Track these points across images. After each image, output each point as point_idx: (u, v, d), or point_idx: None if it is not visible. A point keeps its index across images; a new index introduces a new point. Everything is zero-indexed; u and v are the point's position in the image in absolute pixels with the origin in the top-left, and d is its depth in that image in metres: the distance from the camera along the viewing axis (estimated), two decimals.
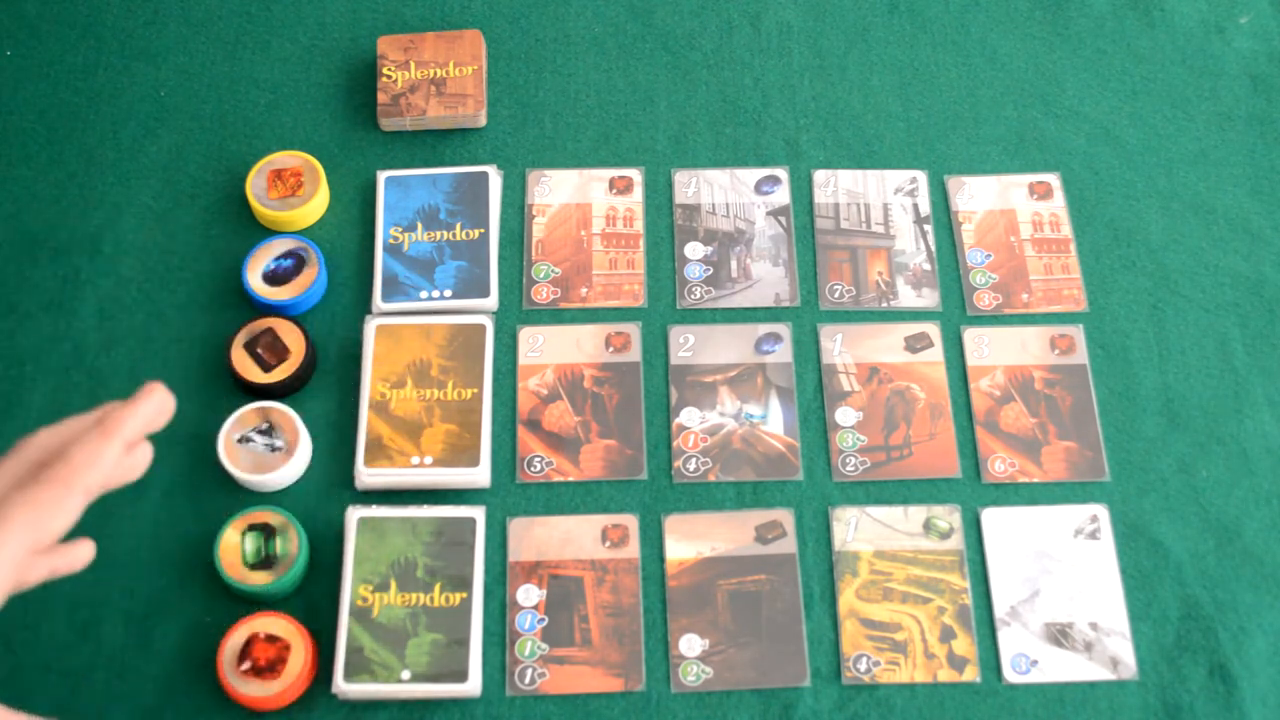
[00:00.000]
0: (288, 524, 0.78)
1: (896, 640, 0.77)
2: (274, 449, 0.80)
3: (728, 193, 0.92)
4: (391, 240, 0.88)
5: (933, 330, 0.87)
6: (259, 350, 0.84)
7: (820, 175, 0.92)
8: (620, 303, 0.88)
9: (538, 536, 0.80)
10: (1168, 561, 0.80)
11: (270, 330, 0.84)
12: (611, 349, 0.86)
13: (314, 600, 0.78)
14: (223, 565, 0.77)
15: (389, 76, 0.93)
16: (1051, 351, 0.86)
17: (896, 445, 0.83)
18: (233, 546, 0.77)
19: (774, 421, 0.84)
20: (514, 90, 0.96)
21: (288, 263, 0.87)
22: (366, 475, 0.80)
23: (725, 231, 0.90)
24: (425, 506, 0.79)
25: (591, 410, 0.84)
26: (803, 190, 0.92)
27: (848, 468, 0.82)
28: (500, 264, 0.89)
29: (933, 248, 0.90)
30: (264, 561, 0.77)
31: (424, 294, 0.86)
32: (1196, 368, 0.86)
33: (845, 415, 0.84)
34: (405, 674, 0.74)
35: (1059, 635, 0.78)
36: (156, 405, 0.60)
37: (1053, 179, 0.92)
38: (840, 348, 0.86)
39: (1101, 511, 0.81)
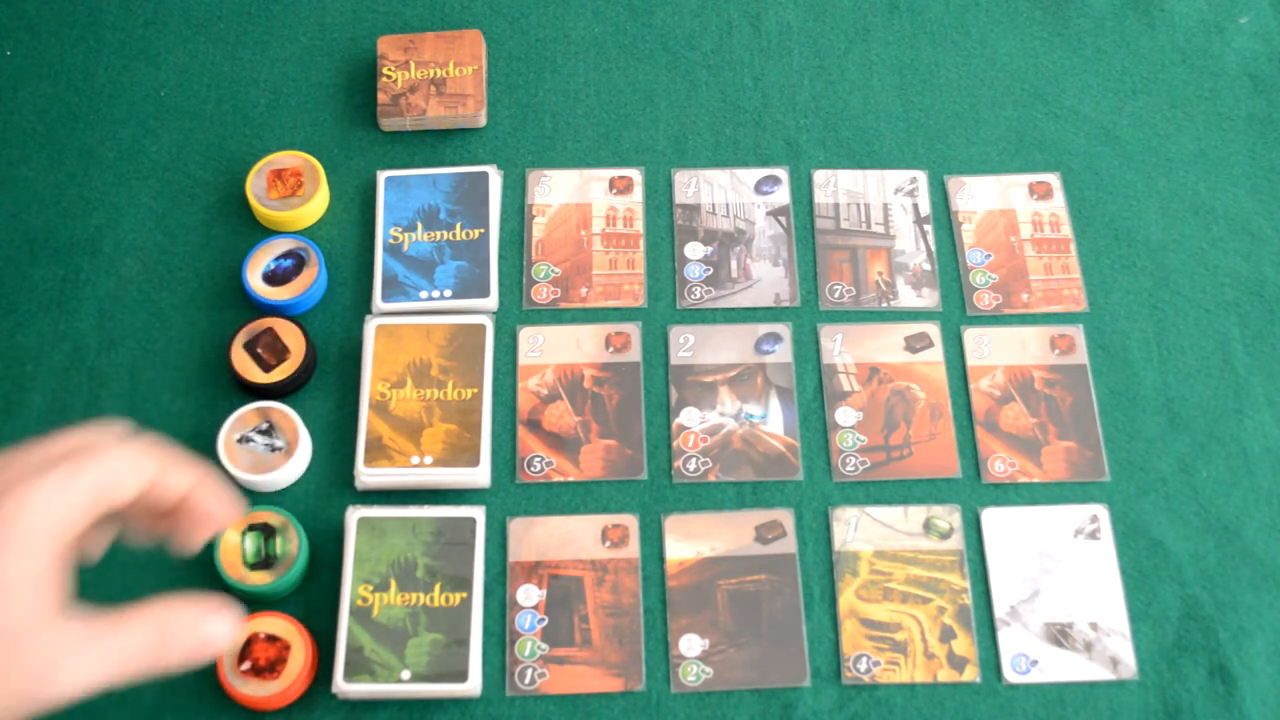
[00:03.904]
0: (288, 524, 0.78)
1: (896, 640, 0.77)
2: (274, 449, 0.80)
3: (728, 193, 0.92)
4: (391, 240, 0.88)
5: (933, 330, 0.87)
6: (259, 350, 0.84)
7: (820, 175, 0.92)
8: (620, 303, 0.88)
9: (538, 536, 0.80)
10: (1168, 561, 0.80)
11: (270, 330, 0.84)
12: (611, 349, 0.86)
13: (314, 600, 0.78)
14: (223, 565, 0.77)
15: (389, 76, 0.93)
16: (1051, 351, 0.86)
17: (896, 445, 0.83)
18: (233, 546, 0.77)
19: (774, 421, 0.84)
20: (514, 90, 0.96)
21: (288, 263, 0.87)
22: (366, 475, 0.80)
23: (725, 231, 0.90)
24: (425, 506, 0.79)
25: (591, 410, 0.84)
26: (803, 190, 0.92)
27: (848, 468, 0.82)
28: (500, 264, 0.89)
29: (933, 248, 0.90)
30: (264, 561, 0.77)
31: (424, 294, 0.86)
32: (1196, 368, 0.86)
33: (845, 415, 0.84)
34: (405, 674, 0.74)
35: (1059, 635, 0.78)
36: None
37: (1053, 179, 0.92)
38: (840, 348, 0.86)
39: (1101, 511, 0.81)
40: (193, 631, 0.54)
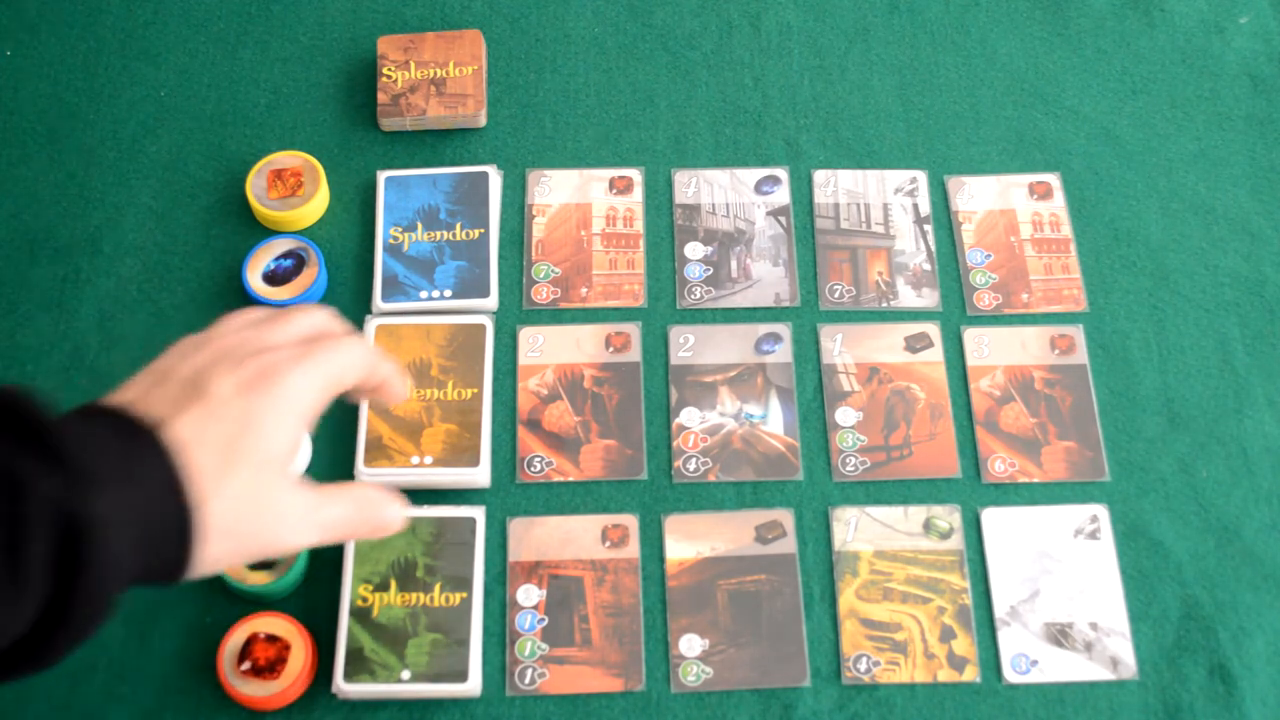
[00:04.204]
0: None
1: (896, 640, 0.77)
2: None
3: (728, 193, 0.92)
4: (391, 240, 0.88)
5: (933, 330, 0.87)
6: None
7: (820, 175, 0.92)
8: (620, 303, 0.88)
9: (538, 536, 0.80)
10: (1168, 561, 0.80)
11: None
12: (611, 349, 0.86)
13: (314, 600, 0.78)
14: None
15: (389, 76, 0.93)
16: (1051, 351, 0.86)
17: (896, 445, 0.83)
18: None
19: (774, 421, 0.84)
20: (514, 90, 0.96)
21: (288, 263, 0.87)
22: (366, 475, 0.80)
23: (725, 231, 0.90)
24: (425, 506, 0.79)
25: (591, 410, 0.84)
26: (803, 190, 0.92)
27: (848, 468, 0.82)
28: (500, 264, 0.89)
29: (933, 248, 0.90)
30: (264, 562, 0.77)
31: (424, 294, 0.86)
32: (1196, 368, 0.86)
33: (845, 415, 0.84)
34: (405, 674, 0.74)
35: (1059, 635, 0.78)
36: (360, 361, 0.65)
37: (1053, 179, 0.92)
38: (840, 348, 0.86)
39: (1101, 511, 0.81)
40: (378, 512, 0.66)
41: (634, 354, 0.86)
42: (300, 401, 0.60)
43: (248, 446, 0.58)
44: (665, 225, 0.91)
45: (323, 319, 0.65)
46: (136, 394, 0.59)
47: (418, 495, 0.81)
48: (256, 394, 0.59)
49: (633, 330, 0.86)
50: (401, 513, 0.66)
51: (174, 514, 0.55)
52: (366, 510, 0.65)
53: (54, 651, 0.53)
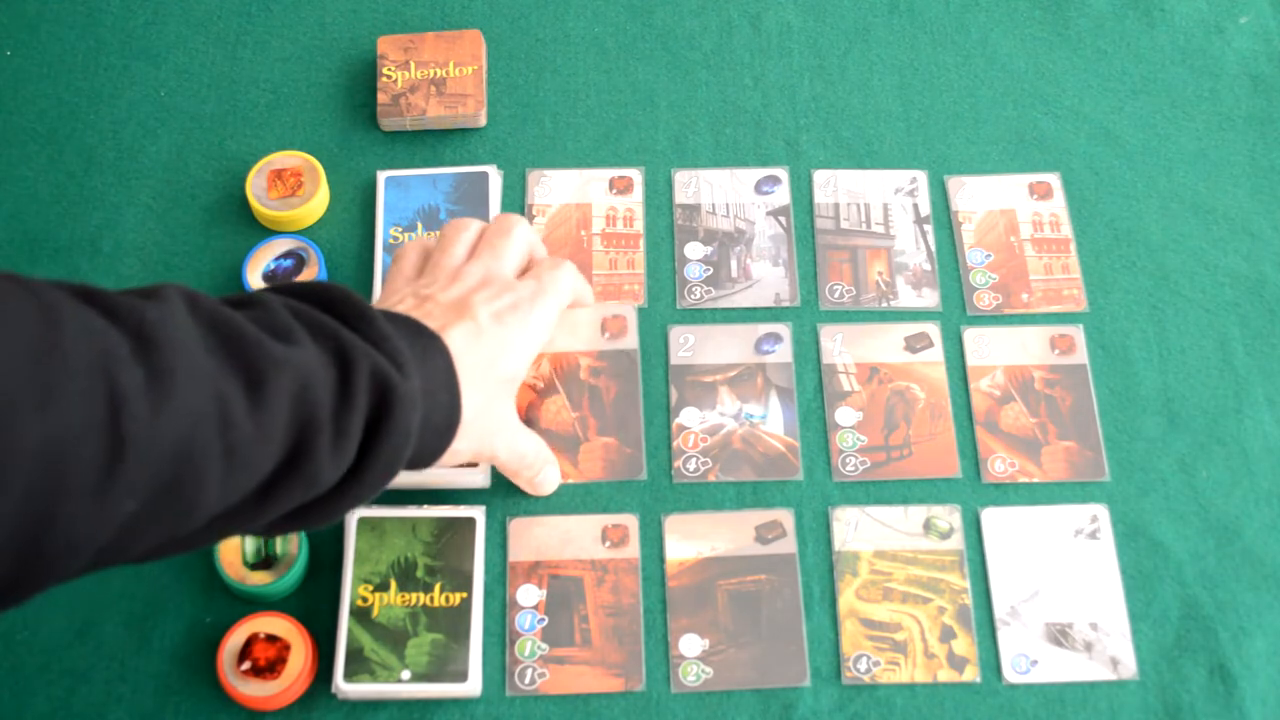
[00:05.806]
0: None
1: (896, 640, 0.77)
2: None
3: (728, 193, 0.92)
4: (391, 240, 0.88)
5: (933, 330, 0.87)
6: None
7: (820, 175, 0.92)
8: (620, 302, 0.88)
9: (538, 536, 0.80)
10: (1168, 561, 0.80)
11: None
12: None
13: (314, 600, 0.78)
14: (223, 565, 0.77)
15: (389, 76, 0.93)
16: (1051, 351, 0.86)
17: (896, 445, 0.83)
18: (233, 546, 0.77)
19: (774, 421, 0.84)
20: (514, 90, 0.96)
21: (288, 263, 0.87)
22: None
23: (725, 231, 0.90)
24: (425, 506, 0.79)
25: (589, 405, 0.84)
26: (803, 190, 0.92)
27: (848, 468, 0.82)
28: None
29: (933, 248, 0.90)
30: (264, 561, 0.77)
31: None
32: (1196, 368, 0.86)
33: (845, 415, 0.84)
34: (405, 674, 0.74)
35: (1059, 635, 0.78)
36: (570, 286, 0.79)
37: (1053, 179, 0.92)
38: (840, 348, 0.86)
39: (1101, 511, 0.81)
40: (543, 468, 0.78)
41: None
42: (540, 332, 0.74)
43: (498, 365, 0.71)
44: (665, 225, 0.91)
45: (529, 238, 0.79)
46: (405, 309, 0.70)
47: (418, 495, 0.81)
48: (507, 325, 0.72)
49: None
50: (556, 481, 0.79)
51: (448, 407, 0.66)
52: (539, 461, 0.77)
53: (335, 509, 0.62)
